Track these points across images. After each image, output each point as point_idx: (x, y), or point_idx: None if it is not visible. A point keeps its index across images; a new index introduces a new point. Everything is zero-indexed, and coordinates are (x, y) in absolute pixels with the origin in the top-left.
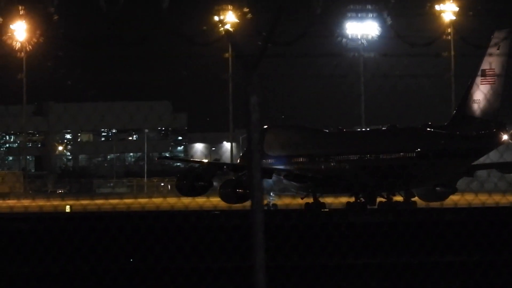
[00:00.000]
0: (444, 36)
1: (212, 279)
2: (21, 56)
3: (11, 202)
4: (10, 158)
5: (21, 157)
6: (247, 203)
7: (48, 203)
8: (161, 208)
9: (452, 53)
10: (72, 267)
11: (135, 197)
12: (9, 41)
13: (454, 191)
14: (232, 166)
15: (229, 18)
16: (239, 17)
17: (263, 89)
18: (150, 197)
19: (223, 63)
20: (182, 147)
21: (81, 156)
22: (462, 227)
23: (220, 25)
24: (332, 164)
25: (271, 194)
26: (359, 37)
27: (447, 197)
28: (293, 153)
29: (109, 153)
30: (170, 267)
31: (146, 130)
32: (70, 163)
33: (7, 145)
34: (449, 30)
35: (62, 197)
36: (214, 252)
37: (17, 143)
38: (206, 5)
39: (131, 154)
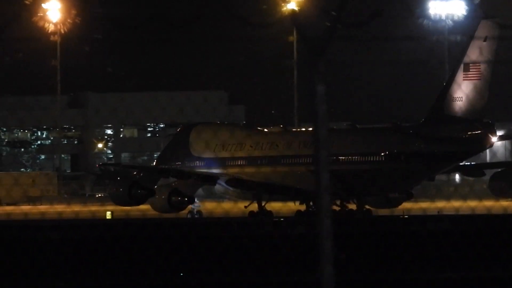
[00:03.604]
0: None
1: None
2: (55, 40)
3: (43, 207)
4: (42, 157)
5: (54, 156)
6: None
7: (86, 209)
8: (213, 213)
9: None
10: (113, 283)
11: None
12: (41, 23)
13: (409, 197)
14: (176, 171)
15: None
16: None
17: (331, 77)
18: (202, 201)
19: (286, 48)
20: None
21: (123, 154)
22: None
23: (282, 3)
24: (279, 168)
25: (196, 200)
26: (443, 17)
27: (400, 203)
28: (227, 155)
29: (156, 150)
30: (225, 281)
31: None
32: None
33: (39, 142)
34: None
35: (102, 201)
36: (275, 263)
37: (50, 139)
38: None
39: None
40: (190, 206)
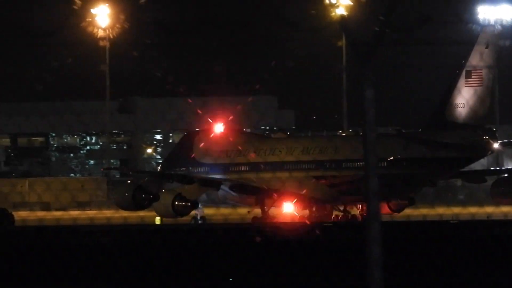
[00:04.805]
0: None
1: None
2: (104, 45)
3: (92, 212)
4: (92, 162)
5: (103, 161)
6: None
7: (135, 214)
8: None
9: None
10: (162, 287)
11: (233, 206)
12: (89, 28)
13: (411, 203)
14: (178, 176)
15: (342, 0)
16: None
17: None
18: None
19: (335, 52)
20: None
21: None
22: None
23: (331, 8)
24: (283, 174)
25: (199, 206)
26: (492, 22)
27: (402, 209)
28: (231, 161)
29: None
30: (274, 285)
31: (248, 130)
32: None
33: (88, 147)
34: None
35: None
36: (323, 268)
37: (99, 144)
38: None
39: None
40: (194, 212)
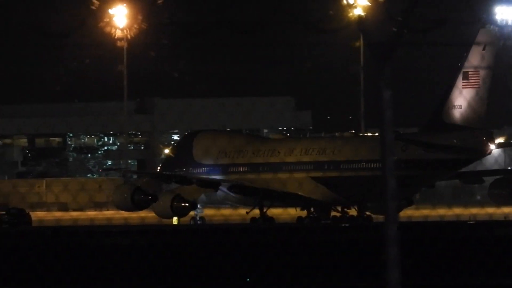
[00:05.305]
0: None
1: None
2: (122, 45)
3: (109, 213)
4: (109, 162)
5: (121, 161)
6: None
7: (152, 215)
8: (280, 219)
9: None
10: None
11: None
12: (107, 28)
13: (410, 203)
14: (179, 177)
15: (359, 1)
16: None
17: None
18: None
19: (353, 53)
20: None
21: None
22: None
23: (349, 9)
24: (280, 174)
25: (198, 206)
26: (510, 23)
27: (401, 210)
28: (230, 162)
29: None
30: (293, 286)
31: (266, 130)
32: None
33: (106, 148)
34: None
35: None
36: (342, 269)
37: (116, 145)
38: None
39: None
40: (193, 212)
